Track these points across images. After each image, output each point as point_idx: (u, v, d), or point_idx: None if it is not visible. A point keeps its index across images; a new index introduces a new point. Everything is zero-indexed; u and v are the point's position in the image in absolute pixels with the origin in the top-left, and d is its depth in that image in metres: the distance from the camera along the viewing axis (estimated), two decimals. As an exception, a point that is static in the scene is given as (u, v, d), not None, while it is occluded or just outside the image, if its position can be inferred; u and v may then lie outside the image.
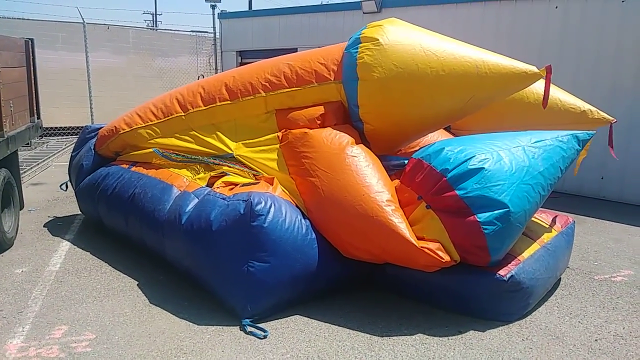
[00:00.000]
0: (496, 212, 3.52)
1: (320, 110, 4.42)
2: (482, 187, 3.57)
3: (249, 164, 4.55)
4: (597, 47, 7.63)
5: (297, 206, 4.04)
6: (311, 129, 4.33)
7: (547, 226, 4.39)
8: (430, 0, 9.22)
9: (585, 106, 5.72)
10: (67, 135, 12.56)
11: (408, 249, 3.56)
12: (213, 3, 13.52)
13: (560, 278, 4.54)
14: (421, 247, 3.54)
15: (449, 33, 4.71)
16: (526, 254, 3.87)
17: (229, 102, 4.82)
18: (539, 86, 5.76)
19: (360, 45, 4.28)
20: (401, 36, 4.28)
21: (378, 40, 4.22)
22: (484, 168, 3.62)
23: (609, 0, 7.46)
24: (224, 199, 3.99)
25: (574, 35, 7.83)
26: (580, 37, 7.78)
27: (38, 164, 9.39)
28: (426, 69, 4.12)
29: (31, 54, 6.14)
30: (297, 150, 4.22)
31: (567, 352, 3.41)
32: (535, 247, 3.99)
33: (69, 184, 6.36)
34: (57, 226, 5.95)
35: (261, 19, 12.87)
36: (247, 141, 4.67)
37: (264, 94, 4.66)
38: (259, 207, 3.73)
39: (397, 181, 4.10)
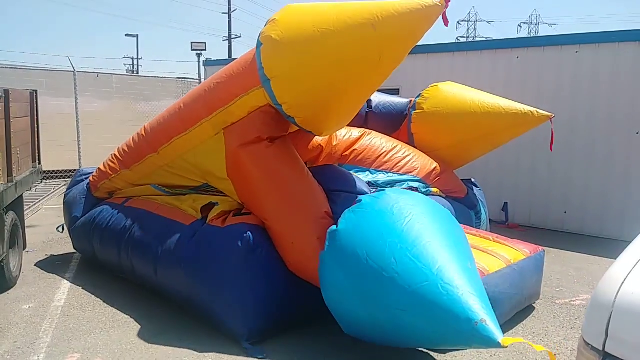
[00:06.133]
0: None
1: (249, 122, 4.55)
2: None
3: (219, 188, 4.92)
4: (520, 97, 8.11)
5: None
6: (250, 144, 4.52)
7: (516, 251, 4.78)
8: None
9: (526, 108, 6.19)
10: (53, 179, 12.80)
11: None
12: (199, 52, 14.27)
13: (533, 306, 5.00)
14: None
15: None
16: (491, 269, 4.26)
17: (184, 133, 4.99)
18: (484, 97, 6.36)
19: (261, 47, 4.26)
20: (294, 25, 4.18)
21: (271, 37, 4.18)
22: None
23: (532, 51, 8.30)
24: (219, 230, 4.39)
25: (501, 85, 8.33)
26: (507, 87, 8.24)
27: (29, 207, 9.62)
28: (325, 46, 4.04)
29: (35, 104, 6.58)
30: (240, 190, 4.61)
31: (529, 365, 3.88)
32: (501, 265, 4.41)
33: (64, 226, 6.68)
34: (56, 266, 6.25)
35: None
36: (209, 168, 4.92)
37: (207, 118, 4.80)
38: (254, 240, 4.18)
39: None
